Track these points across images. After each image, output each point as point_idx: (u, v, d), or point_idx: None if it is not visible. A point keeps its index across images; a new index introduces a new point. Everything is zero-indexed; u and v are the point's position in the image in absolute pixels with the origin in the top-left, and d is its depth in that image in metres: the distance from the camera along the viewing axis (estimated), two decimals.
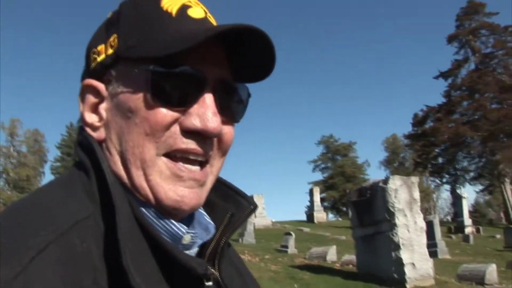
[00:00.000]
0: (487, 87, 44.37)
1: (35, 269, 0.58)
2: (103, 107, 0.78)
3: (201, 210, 0.85)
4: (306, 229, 28.75)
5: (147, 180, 0.73)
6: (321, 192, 51.61)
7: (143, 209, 0.73)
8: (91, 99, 0.79)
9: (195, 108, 0.73)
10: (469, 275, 11.97)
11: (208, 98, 0.74)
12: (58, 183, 0.75)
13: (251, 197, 0.89)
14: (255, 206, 0.88)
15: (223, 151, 0.81)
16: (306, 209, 41.54)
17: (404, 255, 10.81)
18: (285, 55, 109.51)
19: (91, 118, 0.78)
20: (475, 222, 39.60)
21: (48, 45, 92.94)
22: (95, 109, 0.79)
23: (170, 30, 0.73)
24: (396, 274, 10.88)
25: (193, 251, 0.80)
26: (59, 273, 0.60)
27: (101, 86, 0.78)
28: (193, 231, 0.78)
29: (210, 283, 0.73)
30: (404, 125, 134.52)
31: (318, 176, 73.07)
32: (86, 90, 0.79)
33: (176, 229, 0.75)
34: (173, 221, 0.75)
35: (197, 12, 0.77)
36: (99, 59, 0.78)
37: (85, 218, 0.67)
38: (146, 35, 0.74)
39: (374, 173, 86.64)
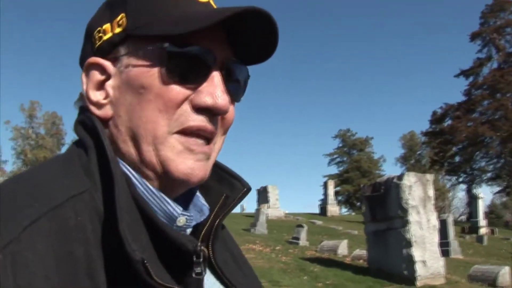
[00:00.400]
0: (510, 86, 43.73)
1: (26, 239, 0.59)
2: (109, 85, 0.79)
3: (197, 192, 0.87)
4: (319, 222, 28.74)
5: (158, 156, 0.75)
6: (335, 186, 51.51)
7: (141, 188, 0.75)
8: (97, 76, 0.80)
9: (205, 86, 0.76)
10: (481, 276, 11.86)
11: (217, 77, 0.77)
12: (56, 160, 0.77)
13: (245, 180, 0.91)
14: (248, 188, 0.90)
15: (225, 130, 0.83)
16: (319, 202, 41.52)
17: (416, 253, 10.76)
18: (304, 47, 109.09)
19: (95, 96, 0.79)
20: (490, 224, 39.20)
21: (69, 27, 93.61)
22: (100, 87, 0.80)
23: (180, 11, 0.77)
24: (407, 271, 10.83)
25: (187, 232, 0.82)
26: (50, 243, 0.61)
27: (107, 63, 0.79)
28: (188, 213, 0.79)
29: (200, 260, 0.74)
30: (422, 122, 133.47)
31: (333, 169, 72.92)
32: (91, 68, 0.80)
33: (172, 210, 0.77)
34: (169, 201, 0.77)
35: None
36: (105, 37, 0.80)
37: (81, 193, 0.69)
38: (157, 14, 0.76)
39: (390, 169, 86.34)
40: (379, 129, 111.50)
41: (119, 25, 0.79)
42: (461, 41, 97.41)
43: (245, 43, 0.82)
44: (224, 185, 0.89)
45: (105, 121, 0.78)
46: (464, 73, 48.21)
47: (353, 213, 52.06)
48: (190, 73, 0.75)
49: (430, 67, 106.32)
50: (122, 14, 0.79)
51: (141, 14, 0.77)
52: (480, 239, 25.20)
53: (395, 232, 11.31)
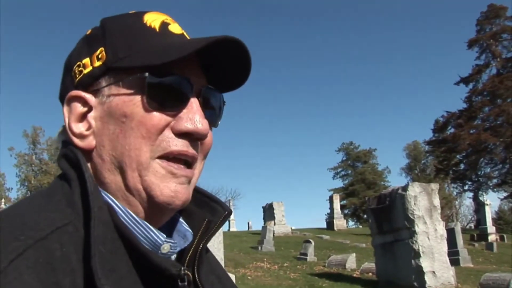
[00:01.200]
0: (509, 92, 43.69)
1: (13, 271, 0.62)
2: (92, 116, 0.82)
3: (179, 218, 0.90)
4: (326, 237, 28.60)
5: (142, 181, 0.78)
6: (341, 200, 51.39)
7: (124, 217, 0.77)
8: (78, 109, 0.83)
9: (184, 113, 0.80)
10: (493, 284, 11.74)
11: (195, 103, 0.81)
12: (41, 193, 0.79)
13: (225, 203, 0.93)
14: (229, 212, 0.92)
15: (204, 154, 0.86)
16: (326, 217, 41.37)
17: (424, 263, 10.70)
18: (303, 60, 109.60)
19: (78, 128, 0.82)
20: (499, 230, 38.96)
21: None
22: (82, 119, 0.82)
23: (157, 43, 0.81)
24: (416, 283, 10.76)
25: (172, 258, 0.84)
26: (37, 275, 0.63)
27: (88, 96, 0.82)
28: (171, 241, 0.81)
29: (184, 283, 0.76)
30: (425, 132, 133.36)
31: (339, 183, 72.75)
32: (72, 101, 0.83)
33: (155, 237, 0.79)
34: (153, 229, 0.79)
35: (176, 28, 0.86)
36: (85, 71, 0.83)
37: (65, 224, 0.71)
38: (135, 47, 0.80)
39: (395, 180, 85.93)
40: (382, 140, 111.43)
41: (98, 59, 0.82)
42: (459, 48, 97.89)
43: (219, 72, 0.87)
44: (205, 209, 0.92)
45: (88, 152, 0.81)
46: (464, 81, 48.21)
47: (360, 226, 51.79)
48: (169, 101, 0.79)
49: (430, 75, 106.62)
50: (101, 48, 0.82)
51: (120, 47, 0.81)
52: (489, 246, 25.00)
53: (403, 243, 11.26)
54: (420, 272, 10.70)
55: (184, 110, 0.80)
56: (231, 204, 48.31)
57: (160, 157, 0.78)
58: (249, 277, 14.05)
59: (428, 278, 10.62)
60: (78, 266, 0.68)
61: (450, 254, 13.11)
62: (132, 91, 0.79)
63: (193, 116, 0.79)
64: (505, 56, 46.95)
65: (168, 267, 0.74)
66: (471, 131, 45.48)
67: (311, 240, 19.84)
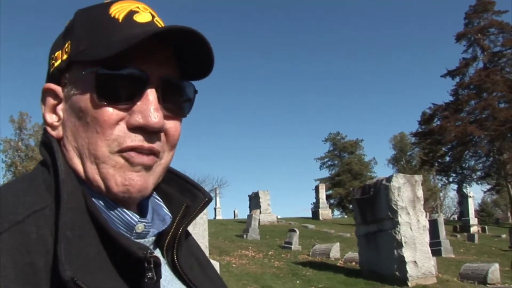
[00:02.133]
0: (495, 86, 44.05)
1: None
2: (60, 108, 0.85)
3: (160, 203, 0.92)
4: (311, 226, 28.75)
5: (100, 173, 0.79)
6: (327, 189, 51.51)
7: (97, 201, 0.80)
8: (50, 101, 0.86)
9: (138, 106, 0.79)
10: (472, 274, 11.96)
11: (151, 95, 0.80)
12: (23, 178, 0.82)
13: (206, 190, 0.96)
14: (209, 199, 0.94)
15: (171, 145, 0.86)
16: (311, 206, 41.61)
17: (407, 253, 10.84)
18: (291, 51, 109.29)
19: (51, 118, 0.86)
20: (481, 222, 39.49)
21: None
22: (54, 110, 0.86)
23: (116, 35, 0.80)
24: (398, 272, 10.91)
25: (148, 240, 0.86)
26: (11, 257, 0.66)
27: (58, 89, 0.85)
28: (145, 220, 0.84)
29: (150, 266, 0.76)
30: (412, 123, 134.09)
31: (325, 173, 72.99)
32: (46, 93, 0.87)
33: (129, 218, 0.81)
34: (125, 210, 0.81)
35: (143, 17, 0.84)
36: (56, 64, 0.86)
37: (42, 208, 0.74)
38: (94, 40, 0.81)
39: (382, 171, 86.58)
40: (369, 132, 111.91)
41: (66, 52, 0.84)
42: (446, 42, 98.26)
43: (186, 61, 0.86)
44: (186, 195, 0.94)
45: (59, 142, 0.84)
46: (451, 73, 48.50)
47: (346, 216, 52.13)
48: (122, 94, 0.79)
49: (417, 68, 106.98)
50: (69, 42, 0.84)
51: (82, 40, 0.82)
52: (471, 237, 25.35)
53: (386, 233, 11.40)
54: (402, 262, 10.85)
55: (139, 103, 0.79)
56: (217, 192, 48.35)
57: (117, 152, 0.79)
58: (233, 265, 14.14)
59: (409, 268, 10.77)
60: (53, 248, 0.70)
61: (432, 244, 13.29)
62: (85, 86, 0.79)
63: (146, 109, 0.79)
64: (492, 50, 47.27)
65: (135, 250, 0.75)
66: (457, 124, 45.84)
67: (296, 229, 19.96)
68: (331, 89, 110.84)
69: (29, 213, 0.72)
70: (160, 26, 0.86)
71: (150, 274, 0.76)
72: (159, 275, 0.78)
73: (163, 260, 0.90)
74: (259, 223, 25.01)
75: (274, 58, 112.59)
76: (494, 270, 11.84)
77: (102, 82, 0.78)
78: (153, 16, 0.86)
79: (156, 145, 0.82)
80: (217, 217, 43.12)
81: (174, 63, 0.85)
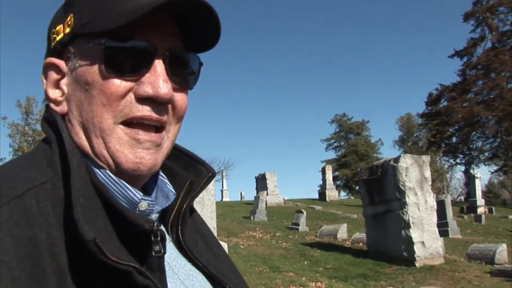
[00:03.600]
0: (503, 66, 43.60)
1: None
2: (64, 82, 0.83)
3: (165, 179, 0.91)
4: (318, 207, 28.84)
5: (107, 148, 0.78)
6: (334, 171, 51.64)
7: (101, 175, 0.79)
8: (53, 76, 0.85)
9: (147, 77, 0.78)
10: (479, 255, 11.98)
11: (159, 67, 0.79)
12: (24, 155, 0.82)
13: (210, 166, 0.94)
14: (213, 173, 0.94)
15: (178, 118, 0.85)
16: (318, 188, 41.68)
17: (414, 234, 10.86)
18: (298, 30, 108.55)
19: (54, 93, 0.84)
20: (488, 203, 39.41)
21: None
22: (57, 85, 0.84)
23: (120, 7, 0.78)
24: (406, 253, 10.94)
25: (153, 217, 0.86)
26: (8, 230, 0.66)
27: (61, 63, 0.84)
28: (149, 198, 0.83)
29: (157, 239, 0.76)
30: (418, 104, 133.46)
31: (331, 154, 73.11)
32: (48, 68, 0.85)
33: (132, 195, 0.80)
34: (129, 187, 0.80)
35: None
36: (58, 38, 0.84)
37: (43, 183, 0.74)
38: (98, 13, 0.79)
39: (388, 152, 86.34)
40: (375, 113, 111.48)
41: (68, 26, 0.82)
42: (454, 21, 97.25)
43: (192, 32, 0.85)
44: (190, 171, 0.93)
45: (63, 117, 0.83)
46: (458, 54, 48.05)
47: (352, 197, 52.21)
48: (130, 66, 0.78)
49: (424, 48, 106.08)
50: (71, 15, 0.82)
51: (85, 13, 0.80)
52: (478, 218, 25.36)
53: (393, 214, 11.41)
54: (409, 242, 10.87)
55: (147, 74, 0.78)
56: (224, 174, 48.46)
57: (123, 123, 0.78)
58: (241, 246, 14.21)
59: (417, 248, 10.79)
60: (55, 221, 0.70)
61: (439, 225, 13.28)
62: (92, 58, 0.78)
63: (155, 80, 0.78)
64: (501, 30, 46.70)
65: (141, 222, 0.74)
66: (464, 105, 45.53)
67: (303, 211, 20.02)
68: (338, 70, 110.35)
69: (28, 188, 0.71)
70: None
71: (157, 247, 0.76)
72: (164, 249, 0.78)
73: (167, 237, 0.89)
74: (266, 205, 25.07)
75: (282, 36, 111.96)
76: (502, 251, 11.85)
77: (110, 54, 0.77)
78: None
79: (164, 117, 0.81)
80: (224, 199, 43.31)
81: (179, 35, 0.84)
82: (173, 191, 0.90)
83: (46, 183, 0.74)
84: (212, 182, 9.80)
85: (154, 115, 0.79)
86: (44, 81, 0.86)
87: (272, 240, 15.77)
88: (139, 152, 0.78)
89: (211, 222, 9.53)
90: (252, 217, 21.99)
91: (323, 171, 38.85)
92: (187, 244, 0.90)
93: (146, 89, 0.78)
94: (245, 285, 0.98)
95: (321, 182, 40.75)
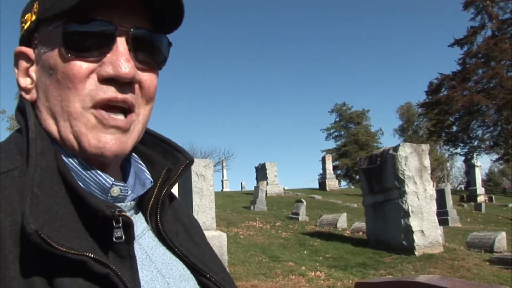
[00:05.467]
0: (504, 54, 43.36)
1: None
2: (32, 70, 0.84)
3: (143, 167, 0.91)
4: (318, 197, 28.88)
5: (73, 132, 0.78)
6: (334, 160, 51.71)
7: (71, 162, 0.79)
8: (23, 64, 0.85)
9: (108, 57, 0.78)
10: (479, 243, 11.99)
11: (121, 46, 0.78)
12: None
13: (188, 153, 0.94)
14: (191, 161, 0.93)
15: (147, 99, 0.84)
16: (318, 177, 41.74)
17: (413, 223, 10.87)
18: (297, 20, 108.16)
19: (25, 82, 0.85)
20: (488, 191, 39.48)
21: None
22: (27, 73, 0.85)
23: None
24: (405, 241, 10.96)
25: (126, 205, 0.85)
26: None
27: (29, 51, 0.84)
28: (121, 184, 0.82)
29: (119, 225, 0.75)
30: (419, 93, 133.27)
31: (331, 144, 73.03)
32: (18, 57, 0.86)
33: (103, 181, 0.80)
34: (99, 172, 0.80)
35: None
36: (25, 26, 0.85)
37: (10, 170, 0.74)
38: None
39: (388, 141, 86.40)
40: (375, 102, 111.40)
41: (34, 13, 0.82)
42: (454, 10, 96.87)
43: (158, 13, 0.83)
44: (168, 158, 0.93)
45: (33, 104, 0.83)
46: (458, 42, 47.77)
47: (352, 187, 52.32)
48: (92, 46, 0.77)
49: (424, 37, 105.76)
50: (37, 2, 0.82)
51: None
52: (478, 207, 25.41)
53: (393, 203, 11.42)
54: (409, 231, 10.88)
55: (108, 55, 0.78)
56: (224, 164, 48.48)
57: (92, 107, 0.77)
58: (241, 236, 14.25)
59: (416, 237, 10.81)
60: (20, 207, 0.70)
61: (439, 214, 13.30)
62: (53, 42, 0.78)
63: (116, 59, 0.77)
64: (501, 18, 46.47)
65: (102, 207, 0.73)
66: (464, 93, 45.41)
67: (303, 200, 20.03)
68: (337, 59, 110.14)
69: None
70: None
71: (118, 233, 0.75)
72: (131, 237, 0.77)
73: (146, 226, 0.89)
74: (266, 195, 25.12)
75: (281, 25, 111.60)
76: (501, 239, 11.85)
77: (69, 35, 0.76)
78: None
79: (130, 97, 0.80)
80: (225, 189, 43.36)
81: (145, 15, 0.83)
82: (150, 178, 0.89)
83: (13, 171, 0.74)
84: (211, 172, 9.83)
85: (119, 95, 0.78)
86: (16, 70, 0.86)
87: (272, 230, 15.80)
88: (102, 136, 0.78)
89: (210, 212, 9.53)
90: (252, 207, 22.03)
91: (323, 160, 38.87)
92: (167, 232, 0.89)
93: (107, 69, 0.77)
94: (226, 273, 0.97)
95: (321, 172, 40.80)
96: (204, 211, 9.42)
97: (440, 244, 11.19)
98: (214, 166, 10.23)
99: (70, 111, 0.77)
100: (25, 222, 0.65)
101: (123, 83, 0.78)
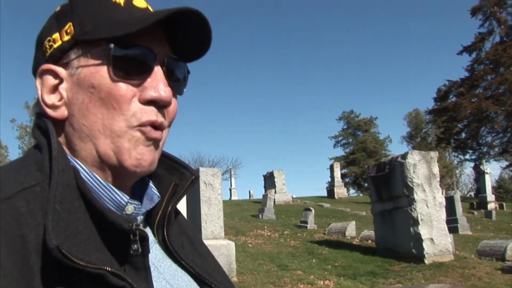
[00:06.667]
0: None
1: None
2: (62, 87, 0.86)
3: (149, 183, 0.95)
4: (327, 205, 28.79)
5: (114, 148, 0.82)
6: (342, 168, 51.56)
7: (89, 179, 0.83)
8: (50, 81, 0.87)
9: (148, 82, 0.84)
10: (490, 251, 11.86)
11: (159, 72, 0.85)
12: (16, 160, 0.86)
13: (194, 169, 1.01)
14: (196, 177, 0.99)
15: (169, 122, 0.90)
16: (327, 185, 41.58)
17: (423, 231, 10.79)
18: (304, 26, 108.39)
19: (50, 99, 0.87)
20: (498, 198, 39.15)
21: None
22: (54, 90, 0.87)
23: (122, 16, 0.85)
24: (415, 250, 10.87)
25: (138, 219, 0.90)
26: (1, 229, 0.70)
27: (59, 69, 0.86)
28: (135, 202, 0.87)
29: (136, 238, 0.80)
30: (426, 100, 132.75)
31: (339, 151, 72.97)
32: (44, 74, 0.88)
33: (119, 198, 0.84)
34: (116, 191, 0.84)
35: (140, 2, 0.89)
36: (55, 45, 0.87)
37: (32, 185, 0.77)
38: (101, 20, 0.84)
39: (396, 148, 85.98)
40: (383, 109, 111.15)
41: (67, 33, 0.86)
42: (462, 17, 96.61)
43: (183, 42, 0.91)
44: (174, 174, 0.97)
45: (61, 122, 0.86)
46: (467, 49, 47.54)
47: (361, 194, 52.13)
48: (134, 71, 0.83)
49: (432, 44, 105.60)
50: (69, 23, 0.86)
51: (87, 21, 0.85)
52: (488, 214, 25.19)
53: (402, 211, 11.34)
54: (418, 239, 10.80)
55: (149, 80, 0.83)
56: (232, 173, 48.48)
57: (136, 127, 0.82)
58: (249, 245, 14.21)
59: (426, 245, 10.72)
60: (42, 222, 0.72)
61: (449, 222, 13.20)
62: (98, 62, 0.82)
63: (156, 84, 0.83)
64: (509, 23, 46.26)
65: (121, 222, 0.78)
66: (473, 100, 45.18)
67: (311, 208, 19.98)
68: (345, 67, 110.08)
69: (19, 190, 0.75)
70: (151, 11, 0.90)
71: (135, 246, 0.80)
72: (146, 250, 0.82)
73: (153, 239, 0.93)
74: (274, 203, 25.04)
75: (288, 33, 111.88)
76: None
77: (118, 59, 0.82)
78: (146, 3, 0.91)
79: (165, 121, 0.87)
80: (233, 198, 43.35)
81: (168, 43, 0.90)
82: (158, 193, 0.94)
83: (35, 186, 0.77)
84: (219, 181, 9.83)
85: (159, 118, 0.85)
86: (39, 86, 0.88)
87: (280, 239, 15.75)
88: (141, 149, 0.83)
89: (218, 221, 9.51)
90: (260, 216, 21.98)
91: (331, 168, 38.79)
92: (173, 245, 0.94)
93: (150, 92, 0.83)
94: (230, 283, 1.02)
95: (329, 180, 40.68)
96: (212, 220, 9.41)
97: (450, 252, 11.08)
98: (222, 175, 10.22)
99: (114, 129, 0.82)
100: (48, 238, 0.68)
101: (160, 107, 0.85)
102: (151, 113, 0.83)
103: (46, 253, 0.70)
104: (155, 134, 0.84)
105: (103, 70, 0.82)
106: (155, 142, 0.86)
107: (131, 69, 0.83)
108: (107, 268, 0.72)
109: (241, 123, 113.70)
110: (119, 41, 0.82)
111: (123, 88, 0.82)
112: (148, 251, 0.83)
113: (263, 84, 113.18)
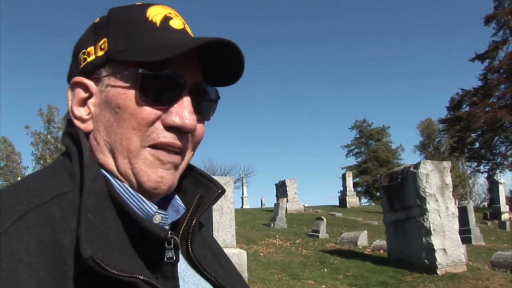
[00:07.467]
0: None
1: (14, 231, 0.70)
2: (91, 102, 0.88)
3: (175, 195, 0.97)
4: (338, 214, 28.65)
5: (132, 168, 0.84)
6: (354, 177, 51.33)
7: (120, 188, 0.84)
8: (80, 94, 0.89)
9: (175, 108, 0.85)
10: (504, 263, 11.70)
11: (186, 99, 0.86)
12: (46, 168, 0.87)
13: (219, 183, 1.00)
14: (223, 190, 0.99)
15: (194, 145, 0.92)
16: (339, 194, 41.43)
17: (435, 241, 10.70)
18: (316, 37, 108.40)
19: (79, 111, 0.89)
20: None
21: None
22: (83, 104, 0.89)
23: (156, 38, 0.85)
24: (427, 260, 10.79)
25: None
26: (35, 234, 0.71)
27: (90, 83, 0.88)
28: (163, 212, 0.88)
29: (170, 246, 0.83)
30: (439, 109, 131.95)
31: (352, 161, 72.71)
32: (75, 86, 0.90)
33: (148, 208, 0.86)
34: (145, 200, 0.85)
35: (177, 23, 0.90)
36: (89, 59, 0.89)
37: (65, 192, 0.79)
38: (135, 41, 0.85)
39: (409, 158, 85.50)
40: (395, 118, 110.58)
41: (101, 49, 0.88)
42: (475, 25, 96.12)
43: (214, 68, 0.91)
44: (200, 187, 0.98)
45: (87, 134, 0.88)
46: (480, 57, 47.20)
47: (373, 204, 51.81)
48: (162, 95, 0.84)
49: (445, 52, 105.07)
50: (105, 39, 0.88)
51: (121, 40, 0.86)
52: (502, 225, 24.89)
53: (414, 221, 11.27)
54: (431, 249, 10.71)
55: (175, 105, 0.85)
56: (244, 182, 48.43)
57: (150, 146, 0.84)
58: (261, 254, 14.18)
59: (438, 255, 10.63)
60: (75, 228, 0.74)
61: (462, 232, 13.08)
62: (127, 85, 0.84)
63: (182, 111, 0.85)
64: None
65: (157, 230, 0.81)
66: (486, 109, 44.79)
67: (323, 217, 19.90)
68: (357, 75, 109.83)
69: (52, 196, 0.76)
70: (190, 33, 0.92)
71: (170, 254, 0.83)
72: (177, 258, 0.85)
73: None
74: (286, 212, 25.01)
75: (300, 44, 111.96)
76: None
77: (145, 83, 0.83)
78: (184, 23, 0.92)
79: (185, 145, 0.88)
80: (244, 206, 43.23)
81: (200, 68, 0.91)
82: (183, 205, 0.95)
83: (68, 193, 0.79)
84: (231, 189, 9.85)
85: (177, 142, 0.86)
86: (70, 97, 0.90)
87: (292, 247, 15.71)
88: (160, 172, 0.85)
89: (230, 230, 9.52)
90: (272, 224, 21.94)
91: (344, 177, 38.64)
92: (196, 256, 0.95)
93: (174, 118, 0.84)
94: None
95: (341, 189, 40.53)
96: (224, 228, 9.43)
97: (463, 263, 10.98)
98: (234, 183, 10.23)
99: (130, 149, 0.84)
100: (81, 248, 0.69)
101: (183, 132, 0.86)
102: (169, 136, 0.85)
103: (79, 260, 0.71)
104: (170, 158, 0.86)
105: (130, 92, 0.84)
106: (175, 165, 0.87)
107: (159, 93, 0.84)
108: (140, 277, 0.73)
109: (253, 132, 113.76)
110: (149, 65, 0.83)
111: (147, 111, 0.83)
112: (178, 260, 0.85)
113: (276, 92, 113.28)
